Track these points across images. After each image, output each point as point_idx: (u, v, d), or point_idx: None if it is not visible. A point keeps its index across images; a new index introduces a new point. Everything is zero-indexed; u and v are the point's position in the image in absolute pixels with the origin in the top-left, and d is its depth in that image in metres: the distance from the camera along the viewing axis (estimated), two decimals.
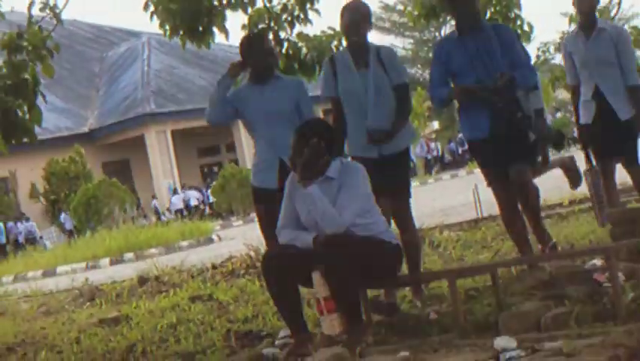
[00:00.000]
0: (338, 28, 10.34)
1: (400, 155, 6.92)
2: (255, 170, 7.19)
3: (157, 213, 40.58)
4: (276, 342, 6.38)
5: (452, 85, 6.98)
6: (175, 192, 42.19)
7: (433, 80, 7.06)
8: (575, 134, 8.02)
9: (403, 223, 6.96)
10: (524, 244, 6.98)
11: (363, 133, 6.81)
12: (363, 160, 6.59)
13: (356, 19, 6.85)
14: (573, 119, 10.42)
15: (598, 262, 6.26)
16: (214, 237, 27.52)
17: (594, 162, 8.03)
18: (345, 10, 6.92)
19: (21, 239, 37.71)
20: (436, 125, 50.07)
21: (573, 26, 12.50)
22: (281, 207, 6.17)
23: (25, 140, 9.33)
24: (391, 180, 6.79)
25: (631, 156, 8.04)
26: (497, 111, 6.62)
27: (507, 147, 6.66)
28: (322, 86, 7.16)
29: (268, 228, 6.74)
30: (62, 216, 38.92)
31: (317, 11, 10.29)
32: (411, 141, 7.34)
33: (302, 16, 10.27)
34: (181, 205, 41.11)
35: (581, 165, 8.22)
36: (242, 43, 7.22)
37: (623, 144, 7.89)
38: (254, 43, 7.25)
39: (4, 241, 37.00)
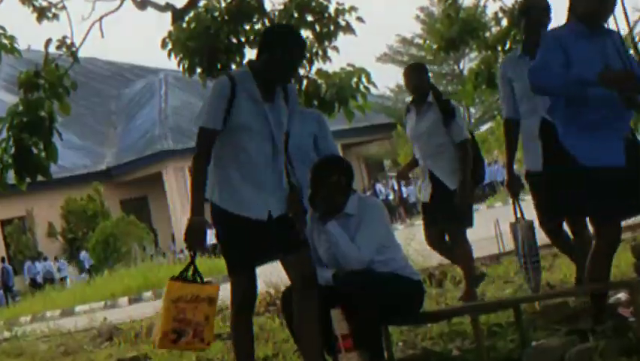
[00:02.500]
0: (357, 65, 10.35)
1: (285, 218, 5.92)
2: None
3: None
4: None
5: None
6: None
7: (548, 63, 5.55)
8: None
9: None
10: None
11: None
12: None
13: None
14: None
15: (622, 296, 6.20)
16: None
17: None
18: None
19: (39, 279, 37.71)
20: None
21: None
22: None
23: (40, 178, 9.37)
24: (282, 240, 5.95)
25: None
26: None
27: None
28: None
29: None
30: (82, 254, 38.97)
31: (336, 48, 10.24)
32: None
33: (320, 53, 10.24)
34: (213, 240, 40.46)
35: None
36: None
37: None
38: None
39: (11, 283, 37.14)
